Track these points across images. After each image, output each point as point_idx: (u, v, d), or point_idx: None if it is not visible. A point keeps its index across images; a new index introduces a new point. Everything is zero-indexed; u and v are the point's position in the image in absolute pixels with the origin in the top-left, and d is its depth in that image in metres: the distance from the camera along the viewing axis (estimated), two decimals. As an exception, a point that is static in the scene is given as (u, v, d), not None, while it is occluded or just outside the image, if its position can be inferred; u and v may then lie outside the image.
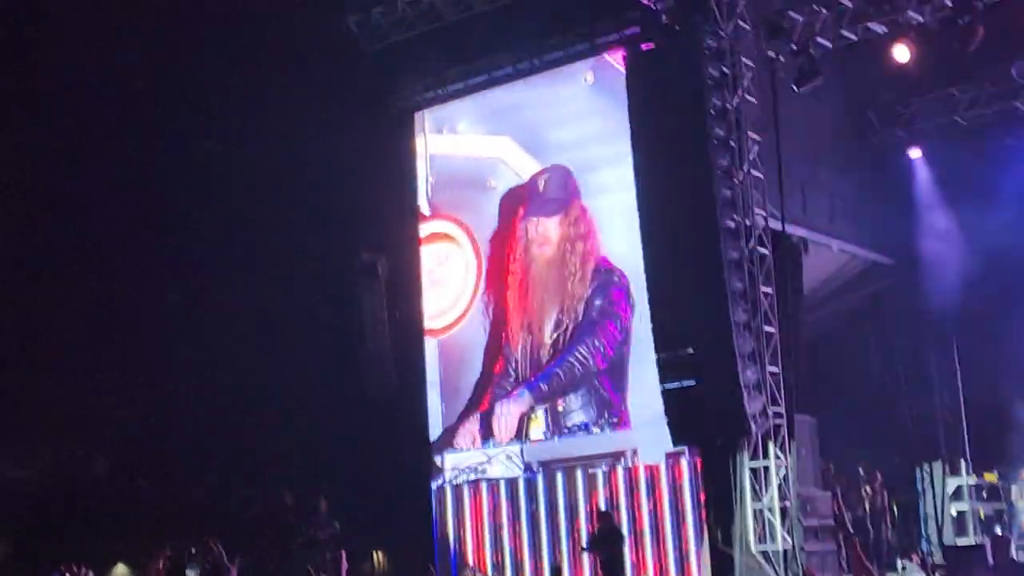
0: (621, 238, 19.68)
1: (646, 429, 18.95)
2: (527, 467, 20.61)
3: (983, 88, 20.73)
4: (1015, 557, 18.83)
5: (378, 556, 23.97)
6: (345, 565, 19.61)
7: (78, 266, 23.70)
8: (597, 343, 20.20)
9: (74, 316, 23.66)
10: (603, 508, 18.84)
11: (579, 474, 19.97)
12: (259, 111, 22.92)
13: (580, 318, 20.43)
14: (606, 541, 17.57)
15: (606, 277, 20.31)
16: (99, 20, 22.83)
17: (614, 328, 20.09)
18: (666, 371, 17.85)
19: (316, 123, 21.98)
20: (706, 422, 17.75)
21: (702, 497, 18.57)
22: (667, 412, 18.07)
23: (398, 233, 22.69)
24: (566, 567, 19.70)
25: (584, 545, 18.51)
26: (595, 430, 20.03)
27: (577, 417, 20.38)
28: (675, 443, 18.40)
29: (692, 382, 17.55)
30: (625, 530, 18.89)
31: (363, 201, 22.43)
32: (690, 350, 17.63)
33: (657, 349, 18.00)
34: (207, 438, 23.39)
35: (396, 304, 22.48)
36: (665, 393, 17.93)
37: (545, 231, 21.12)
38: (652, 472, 19.13)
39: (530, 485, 20.53)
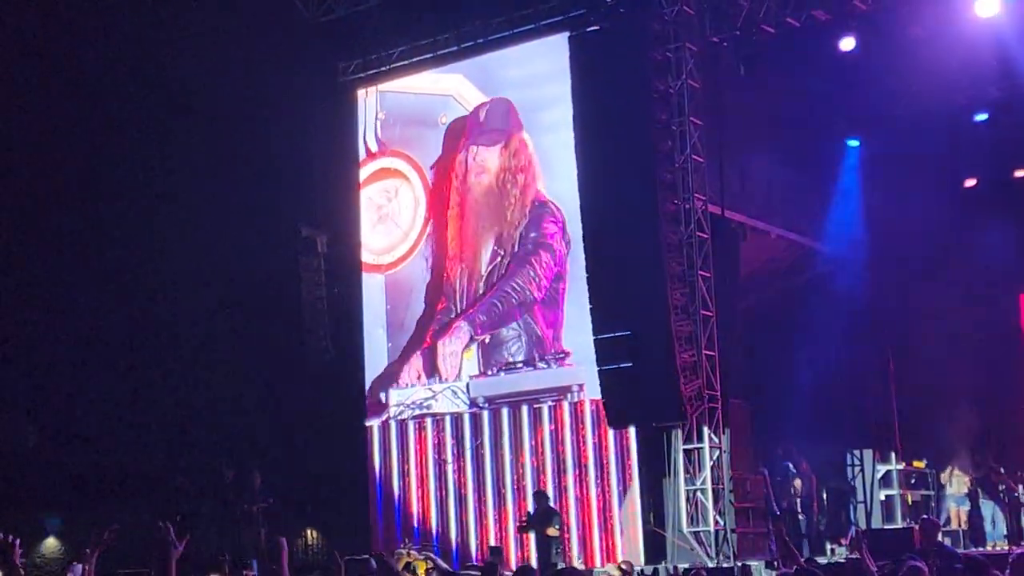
0: (563, 177, 19.63)
1: (592, 365, 18.75)
2: (473, 402, 20.68)
3: (923, 79, 20.86)
4: (942, 541, 19.12)
5: (310, 533, 23.96)
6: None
7: (6, 236, 23.38)
8: (532, 273, 20.31)
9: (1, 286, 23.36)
10: (539, 489, 18.89)
11: (525, 409, 20.10)
12: (203, 83, 22.72)
13: (516, 249, 20.53)
14: (542, 521, 17.62)
15: (540, 210, 20.38)
16: None
17: (548, 258, 20.18)
18: (603, 352, 17.95)
19: (261, 95, 21.84)
20: (642, 404, 17.90)
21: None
22: (603, 393, 18.23)
23: (339, 208, 22.62)
24: (510, 503, 19.84)
25: (520, 524, 18.55)
26: (541, 366, 20.07)
27: (507, 351, 20.50)
28: (611, 424, 18.55)
29: (628, 364, 17.67)
30: (570, 464, 19.19)
31: (306, 175, 22.37)
32: (627, 332, 17.75)
33: (595, 331, 18.11)
34: (139, 410, 23.22)
35: (335, 280, 22.44)
36: (602, 374, 18.06)
37: (483, 160, 21.19)
38: (598, 407, 19.10)
39: (475, 420, 20.62)
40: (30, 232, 23.50)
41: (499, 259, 20.72)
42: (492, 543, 19.59)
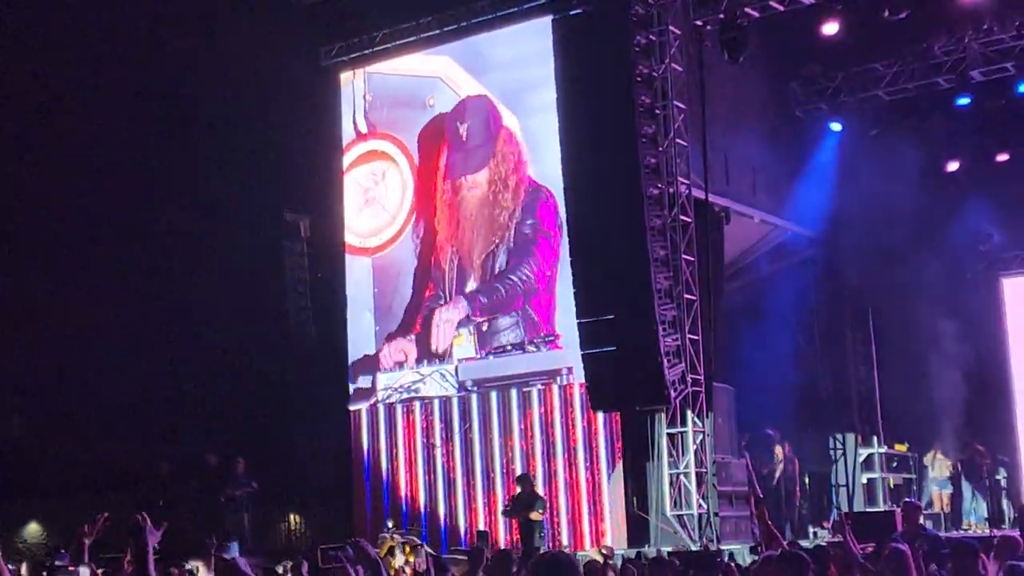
0: (551, 159, 19.39)
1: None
2: (461, 386, 20.61)
3: (906, 64, 20.92)
4: (923, 524, 19.21)
5: (293, 518, 23.96)
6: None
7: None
8: (535, 264, 20.02)
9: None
10: (524, 473, 18.88)
11: (514, 392, 20.01)
12: (185, 68, 22.63)
13: (513, 238, 20.27)
14: (525, 505, 17.61)
15: (534, 195, 20.12)
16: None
17: (547, 246, 19.92)
18: (587, 336, 17.95)
19: (243, 79, 21.73)
20: (626, 388, 17.89)
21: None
22: (587, 377, 18.24)
23: (323, 192, 22.54)
24: (499, 486, 19.81)
25: (505, 508, 18.54)
26: (531, 349, 19.97)
27: (505, 338, 20.31)
28: (594, 408, 18.56)
29: (612, 348, 17.67)
30: (559, 447, 19.20)
31: (289, 159, 22.28)
32: (610, 316, 17.74)
33: (579, 314, 18.10)
34: (123, 396, 23.16)
35: (318, 265, 22.38)
36: (585, 358, 18.07)
37: (473, 180, 20.94)
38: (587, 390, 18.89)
39: (464, 404, 20.54)
40: (17, 220, 23.40)
41: (494, 246, 20.56)
42: (480, 527, 19.58)
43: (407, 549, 17.56)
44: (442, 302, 21.06)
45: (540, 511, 17.50)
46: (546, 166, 19.85)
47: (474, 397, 20.47)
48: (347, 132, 22.67)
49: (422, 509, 20.73)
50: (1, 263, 23.33)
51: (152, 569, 6.04)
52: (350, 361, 21.89)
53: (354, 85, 22.57)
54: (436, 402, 20.88)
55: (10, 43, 22.77)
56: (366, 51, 22.12)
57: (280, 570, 13.22)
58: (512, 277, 20.32)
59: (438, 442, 20.71)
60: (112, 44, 22.95)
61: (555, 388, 19.62)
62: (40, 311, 23.71)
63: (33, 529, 24.20)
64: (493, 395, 20.27)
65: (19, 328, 23.63)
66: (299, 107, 22.42)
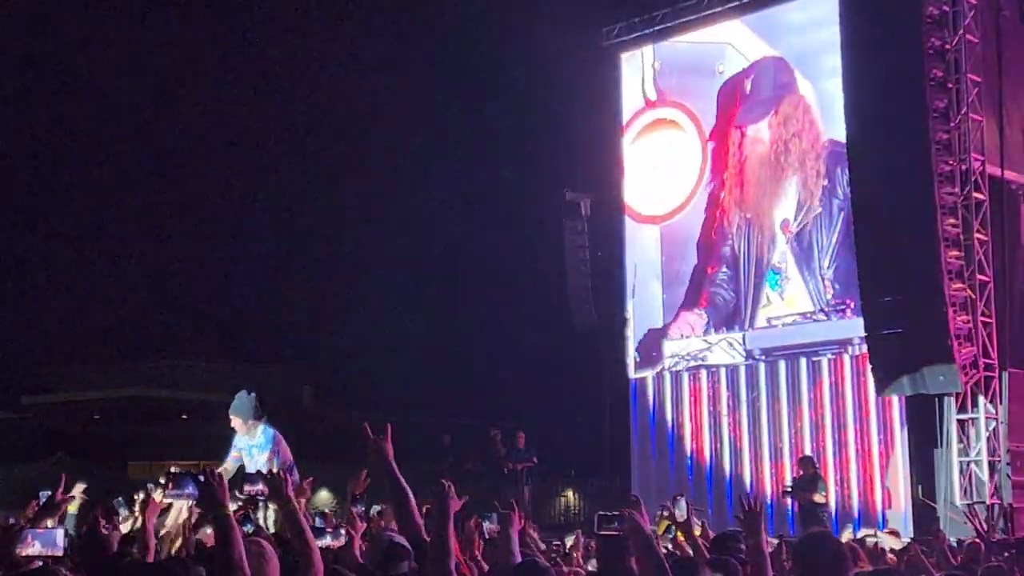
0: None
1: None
2: (748, 354, 20.51)
3: None
4: None
5: (570, 494, 24.28)
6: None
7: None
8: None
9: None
10: (806, 454, 18.50)
11: (803, 362, 19.77)
12: (467, 47, 23.19)
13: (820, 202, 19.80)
14: (806, 487, 17.29)
15: (837, 158, 19.21)
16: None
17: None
18: (872, 316, 17.46)
19: (525, 58, 22.07)
20: (913, 370, 17.29)
21: None
22: (871, 359, 17.72)
23: (603, 171, 22.67)
24: (787, 457, 19.55)
25: (784, 490, 18.23)
26: (819, 317, 19.65)
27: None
28: (879, 391, 18.03)
29: (899, 329, 17.11)
30: (850, 419, 18.87)
31: (569, 139, 22.53)
32: (897, 296, 17.19)
33: (863, 294, 17.63)
34: (411, 370, 23.97)
35: (599, 243, 22.55)
36: (871, 339, 17.57)
37: (756, 133, 20.74)
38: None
39: (751, 373, 20.44)
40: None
41: (803, 211, 20.00)
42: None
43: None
44: (729, 274, 20.85)
45: (822, 493, 17.13)
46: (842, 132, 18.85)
47: (762, 366, 20.30)
48: (635, 101, 22.64)
49: (707, 479, 20.69)
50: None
51: (452, 532, 6.17)
52: (637, 336, 21.98)
53: (642, 53, 22.52)
54: (723, 370, 20.82)
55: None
56: (647, 31, 22.13)
57: (569, 543, 13.31)
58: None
59: (724, 411, 20.66)
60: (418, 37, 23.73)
61: (846, 358, 19.21)
62: (335, 294, 24.79)
63: (324, 497, 25.25)
64: (781, 364, 20.04)
65: (315, 309, 24.78)
66: (581, 87, 22.63)
